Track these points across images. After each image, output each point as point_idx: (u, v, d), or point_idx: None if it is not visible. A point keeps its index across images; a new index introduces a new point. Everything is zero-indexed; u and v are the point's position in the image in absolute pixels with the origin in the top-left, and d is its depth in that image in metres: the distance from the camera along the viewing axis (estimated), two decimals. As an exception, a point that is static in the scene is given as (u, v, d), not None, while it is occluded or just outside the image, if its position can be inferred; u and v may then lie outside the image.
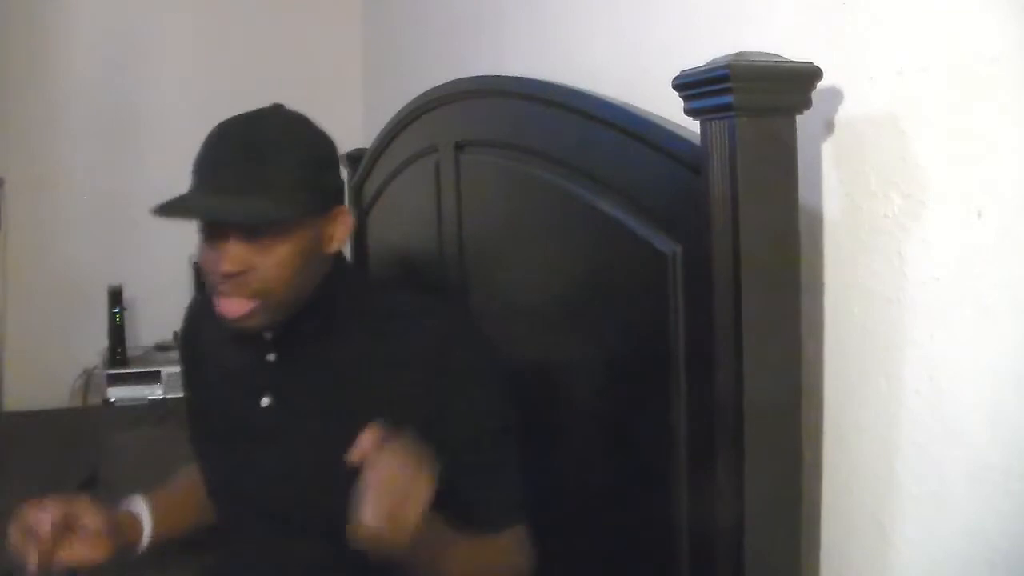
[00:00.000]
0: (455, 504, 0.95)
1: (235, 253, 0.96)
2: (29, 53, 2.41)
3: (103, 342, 2.33)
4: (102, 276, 2.37)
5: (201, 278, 1.07)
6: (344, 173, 1.24)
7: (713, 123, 0.81)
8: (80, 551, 0.97)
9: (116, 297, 2.32)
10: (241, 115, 1.02)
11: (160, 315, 2.39)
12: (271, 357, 1.08)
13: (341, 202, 1.07)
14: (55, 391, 2.37)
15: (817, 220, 0.90)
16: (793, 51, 0.82)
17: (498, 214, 1.35)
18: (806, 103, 0.81)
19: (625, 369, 1.06)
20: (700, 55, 0.82)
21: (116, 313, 2.31)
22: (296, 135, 1.01)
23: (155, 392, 2.22)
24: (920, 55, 0.79)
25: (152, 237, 2.48)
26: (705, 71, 0.79)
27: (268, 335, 1.07)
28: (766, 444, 0.82)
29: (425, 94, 1.56)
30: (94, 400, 2.35)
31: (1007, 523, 0.74)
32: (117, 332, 2.31)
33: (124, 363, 2.30)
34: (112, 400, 2.22)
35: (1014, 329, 0.73)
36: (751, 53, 0.78)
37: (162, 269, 2.44)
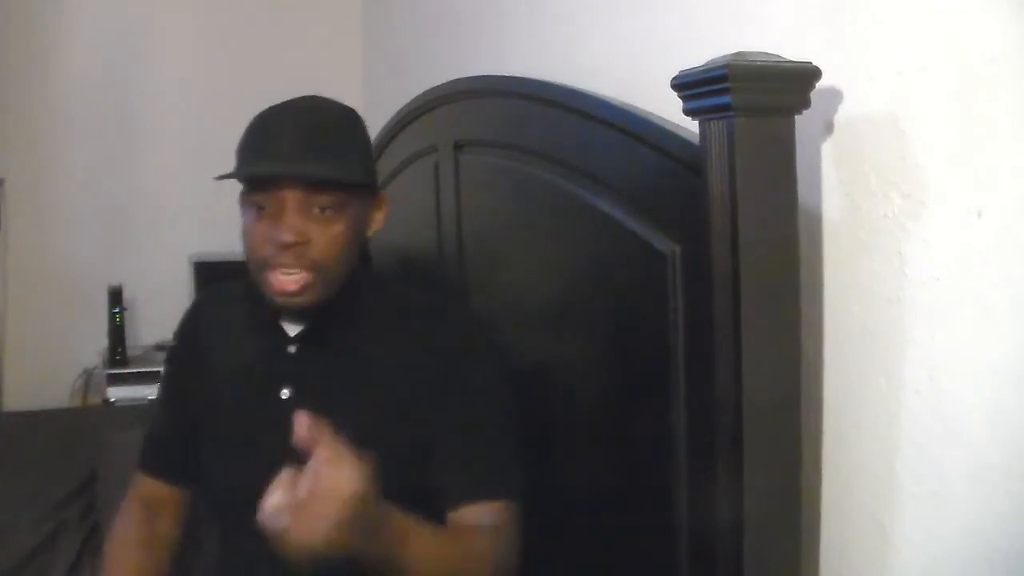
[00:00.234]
0: (447, 480, 0.98)
1: (295, 223, 0.97)
2: (29, 53, 2.41)
3: (103, 342, 2.33)
4: (102, 276, 2.37)
5: (200, 278, 1.07)
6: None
7: (712, 123, 0.81)
8: None
9: (116, 297, 2.32)
10: (285, 101, 1.03)
11: (160, 315, 2.38)
12: (292, 349, 1.08)
13: (380, 189, 1.10)
14: (55, 391, 2.36)
15: (817, 220, 0.90)
16: (792, 51, 0.82)
17: (497, 214, 1.35)
18: (805, 103, 0.81)
19: (625, 369, 1.06)
20: (700, 55, 0.81)
21: (116, 313, 2.31)
22: (344, 114, 1.05)
23: (155, 392, 2.21)
24: (920, 55, 0.79)
25: (152, 237, 2.49)
26: (704, 71, 0.79)
27: (291, 330, 1.07)
28: (766, 444, 0.82)
29: (425, 94, 1.56)
30: (94, 400, 2.35)
31: (1007, 523, 0.74)
32: (117, 332, 2.31)
33: (124, 363, 2.30)
34: (112, 400, 2.22)
35: (1014, 329, 0.73)
36: (750, 53, 0.78)
37: (162, 269, 2.44)
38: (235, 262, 1.11)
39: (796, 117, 0.81)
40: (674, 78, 0.83)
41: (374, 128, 1.81)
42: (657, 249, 0.93)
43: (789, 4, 0.93)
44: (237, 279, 1.13)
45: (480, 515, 1.00)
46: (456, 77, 1.47)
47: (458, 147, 1.43)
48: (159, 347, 2.40)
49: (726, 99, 0.78)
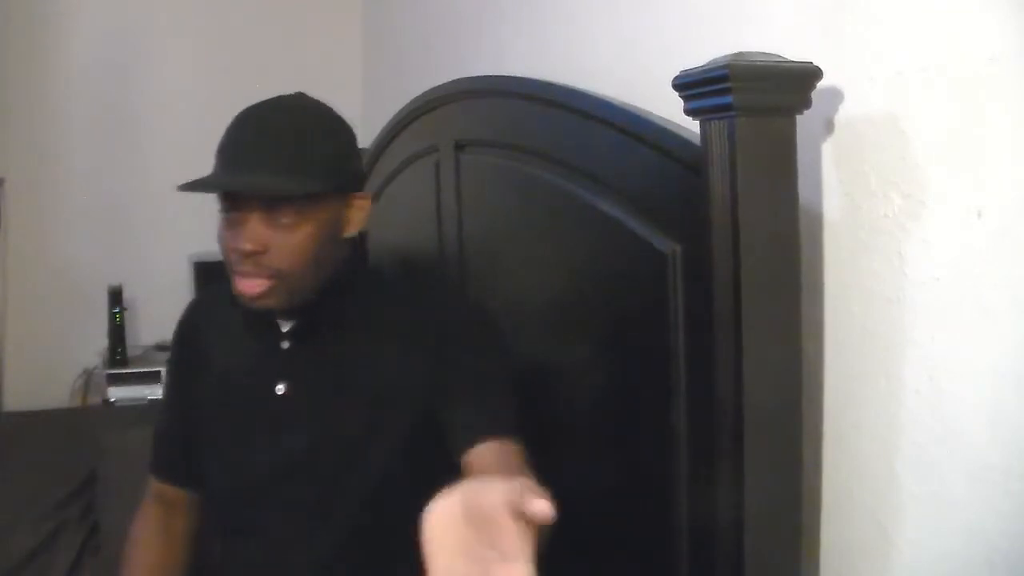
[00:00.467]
0: (459, 419, 0.99)
1: (254, 231, 0.98)
2: (29, 53, 2.41)
3: (103, 342, 2.33)
4: (102, 276, 2.36)
5: (200, 278, 1.07)
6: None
7: (713, 123, 0.81)
8: None
9: (116, 297, 2.32)
10: (264, 100, 1.03)
11: (160, 315, 2.36)
12: (285, 345, 1.08)
13: (360, 188, 1.08)
14: (55, 391, 2.36)
15: (817, 220, 0.90)
16: (793, 51, 0.82)
17: (498, 214, 1.35)
18: (806, 103, 0.81)
19: (625, 369, 1.06)
20: (700, 55, 0.82)
21: (116, 313, 2.31)
22: (317, 119, 1.04)
23: (155, 392, 2.20)
24: (920, 55, 0.79)
25: (152, 237, 2.49)
26: (704, 71, 0.79)
27: (285, 327, 1.07)
28: (766, 444, 0.82)
29: (425, 94, 1.55)
30: (94, 400, 2.34)
31: (1007, 523, 0.74)
32: (117, 332, 2.30)
33: (124, 363, 2.29)
34: (112, 400, 2.22)
35: (1014, 329, 0.73)
36: (751, 53, 0.78)
37: (162, 269, 2.44)
38: (235, 262, 1.11)
39: (797, 117, 0.81)
40: (675, 78, 0.83)
41: (374, 128, 1.82)
42: (657, 249, 0.93)
43: (789, 4, 0.93)
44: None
45: (497, 452, 1.00)
46: (456, 77, 1.47)
47: (459, 147, 1.43)
48: (159, 347, 2.40)
49: (727, 99, 0.78)
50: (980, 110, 0.75)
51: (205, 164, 1.02)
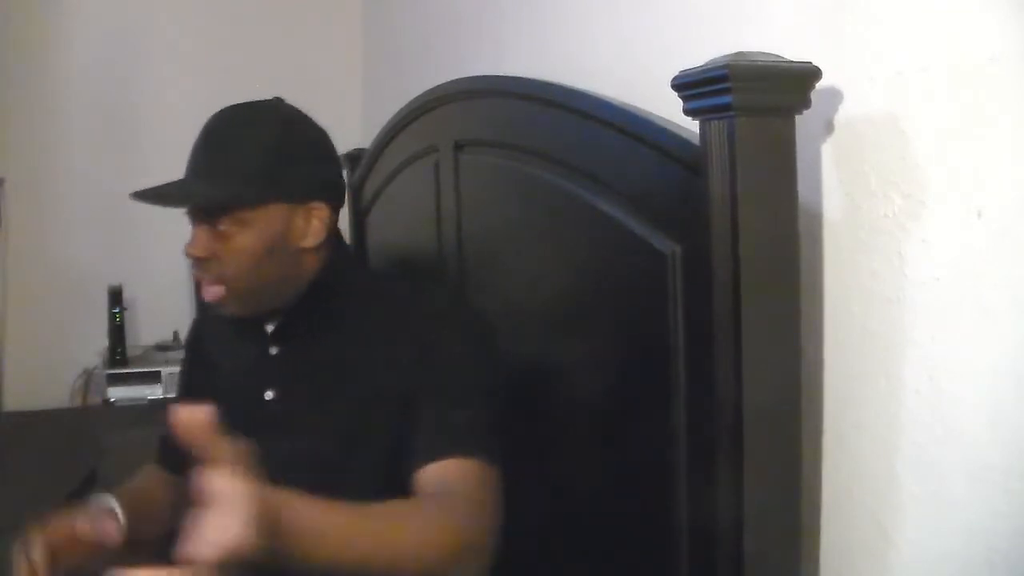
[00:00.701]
0: (415, 441, 0.96)
1: (199, 239, 1.01)
2: (29, 53, 2.41)
3: (103, 342, 2.33)
4: (102, 276, 2.36)
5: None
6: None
7: (712, 123, 0.81)
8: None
9: (116, 297, 2.32)
10: (230, 106, 1.05)
11: (160, 315, 2.39)
12: (273, 351, 1.08)
13: (323, 197, 1.05)
14: (55, 391, 2.36)
15: (817, 220, 0.90)
16: (793, 51, 0.82)
17: (498, 214, 1.35)
18: (805, 103, 0.81)
19: (624, 369, 1.06)
20: (700, 55, 0.81)
21: (116, 313, 2.31)
22: (265, 124, 1.02)
23: (155, 392, 2.21)
24: (920, 55, 0.79)
25: (152, 237, 2.47)
26: (704, 71, 0.79)
27: (269, 328, 1.07)
28: (766, 444, 0.81)
29: (425, 94, 1.55)
30: (94, 400, 2.35)
31: (1007, 523, 0.73)
32: (117, 332, 2.30)
33: (124, 363, 2.29)
34: (112, 400, 2.22)
35: (1014, 329, 0.73)
36: (750, 53, 0.78)
37: (162, 269, 2.43)
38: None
39: (796, 117, 0.81)
40: (674, 78, 0.83)
41: (374, 128, 1.82)
42: (657, 249, 0.93)
43: (789, 4, 0.93)
44: None
45: (446, 474, 0.93)
46: (456, 77, 1.47)
47: (458, 147, 1.42)
48: (159, 347, 2.40)
49: (727, 99, 0.77)
50: (980, 110, 0.74)
51: (205, 164, 1.03)
